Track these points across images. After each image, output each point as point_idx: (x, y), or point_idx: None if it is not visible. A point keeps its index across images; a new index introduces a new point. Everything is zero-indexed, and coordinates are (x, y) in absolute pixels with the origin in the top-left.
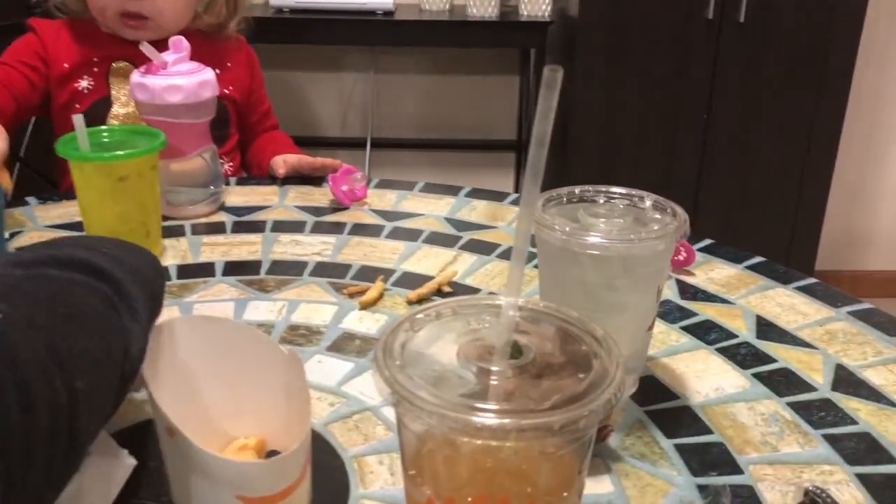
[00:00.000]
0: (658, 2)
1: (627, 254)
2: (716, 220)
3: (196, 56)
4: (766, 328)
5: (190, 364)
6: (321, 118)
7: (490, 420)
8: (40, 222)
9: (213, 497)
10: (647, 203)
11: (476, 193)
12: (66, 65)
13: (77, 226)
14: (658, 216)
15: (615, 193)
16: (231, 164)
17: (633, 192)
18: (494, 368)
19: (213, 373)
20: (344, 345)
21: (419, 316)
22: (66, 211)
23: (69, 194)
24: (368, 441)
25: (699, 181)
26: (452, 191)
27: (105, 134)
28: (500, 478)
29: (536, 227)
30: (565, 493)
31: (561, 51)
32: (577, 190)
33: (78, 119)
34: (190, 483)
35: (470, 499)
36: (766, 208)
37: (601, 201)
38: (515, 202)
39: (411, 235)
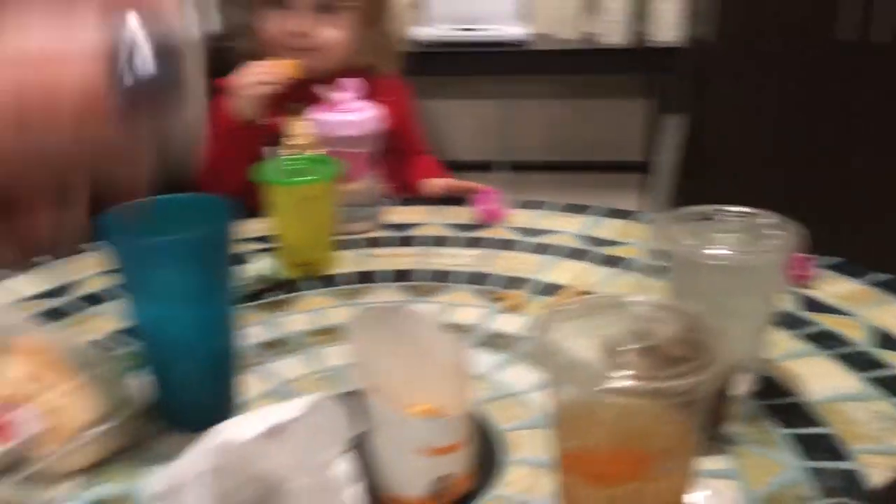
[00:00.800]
0: (794, 26)
1: (743, 265)
2: (849, 236)
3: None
4: (885, 338)
5: (379, 343)
6: (458, 143)
7: (621, 384)
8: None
9: (398, 448)
10: (765, 220)
11: (608, 212)
12: None
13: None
14: (775, 232)
15: (731, 212)
16: (389, 185)
17: (748, 209)
18: (624, 349)
19: (393, 352)
20: (493, 342)
21: (563, 309)
22: (261, 225)
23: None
24: (517, 419)
25: (837, 200)
26: (585, 210)
27: (290, 162)
28: (630, 434)
29: (663, 242)
30: (682, 456)
31: (692, 75)
32: (701, 209)
33: (270, 151)
34: (379, 437)
35: (606, 452)
36: None
37: (723, 219)
38: (649, 221)
39: (548, 250)
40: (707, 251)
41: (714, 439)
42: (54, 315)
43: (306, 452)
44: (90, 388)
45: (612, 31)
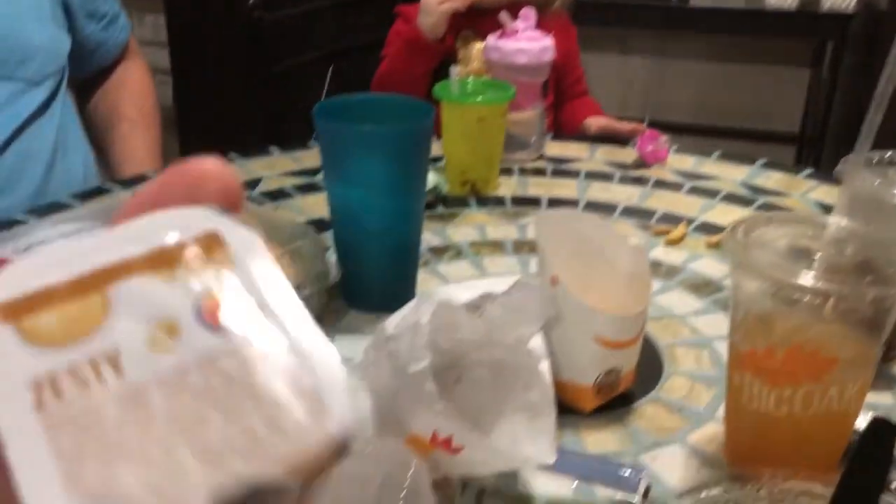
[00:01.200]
0: None
1: None
2: None
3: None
4: None
5: (561, 242)
6: (603, 97)
7: (812, 282)
8: None
9: (576, 336)
10: None
11: (771, 165)
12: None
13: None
14: None
15: None
16: (546, 120)
17: None
18: (816, 259)
19: (574, 254)
20: (654, 270)
21: (756, 218)
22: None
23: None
24: (677, 337)
25: None
26: (748, 160)
27: (468, 84)
28: (812, 338)
29: (851, 182)
30: (859, 368)
31: (864, 45)
32: (886, 154)
33: (454, 70)
34: (559, 324)
35: (786, 352)
36: None
37: None
38: (811, 176)
39: (710, 194)
40: (893, 192)
41: (883, 376)
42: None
43: (503, 327)
44: (290, 259)
45: None
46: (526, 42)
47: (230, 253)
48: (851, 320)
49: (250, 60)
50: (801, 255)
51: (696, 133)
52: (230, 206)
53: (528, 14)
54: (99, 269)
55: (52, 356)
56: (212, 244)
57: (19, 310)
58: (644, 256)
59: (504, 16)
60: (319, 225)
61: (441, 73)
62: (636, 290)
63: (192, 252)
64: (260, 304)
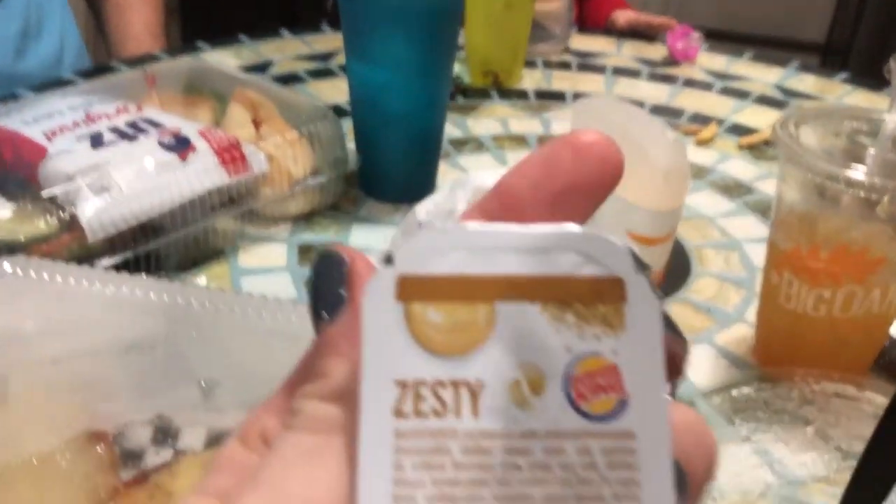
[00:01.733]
0: None
1: None
2: None
3: None
4: None
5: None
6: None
7: (865, 179)
8: None
9: (608, 231)
10: None
11: (806, 68)
12: None
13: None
14: None
15: None
16: (573, 12)
17: None
18: (872, 151)
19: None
20: None
21: (808, 111)
22: None
23: None
24: (706, 239)
25: None
26: (782, 61)
27: None
28: (856, 236)
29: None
30: None
31: None
32: None
33: None
34: (592, 218)
35: (828, 252)
36: None
37: None
38: (846, 80)
39: (741, 95)
40: None
41: None
42: None
43: None
44: (307, 142)
45: None
46: None
47: (624, 314)
48: None
49: None
50: (854, 152)
51: (713, 38)
52: (611, 180)
53: None
54: (494, 276)
55: (428, 363)
56: (611, 294)
57: (416, 293)
58: (683, 151)
59: None
60: (334, 112)
61: None
62: (673, 186)
63: (590, 295)
64: (639, 388)
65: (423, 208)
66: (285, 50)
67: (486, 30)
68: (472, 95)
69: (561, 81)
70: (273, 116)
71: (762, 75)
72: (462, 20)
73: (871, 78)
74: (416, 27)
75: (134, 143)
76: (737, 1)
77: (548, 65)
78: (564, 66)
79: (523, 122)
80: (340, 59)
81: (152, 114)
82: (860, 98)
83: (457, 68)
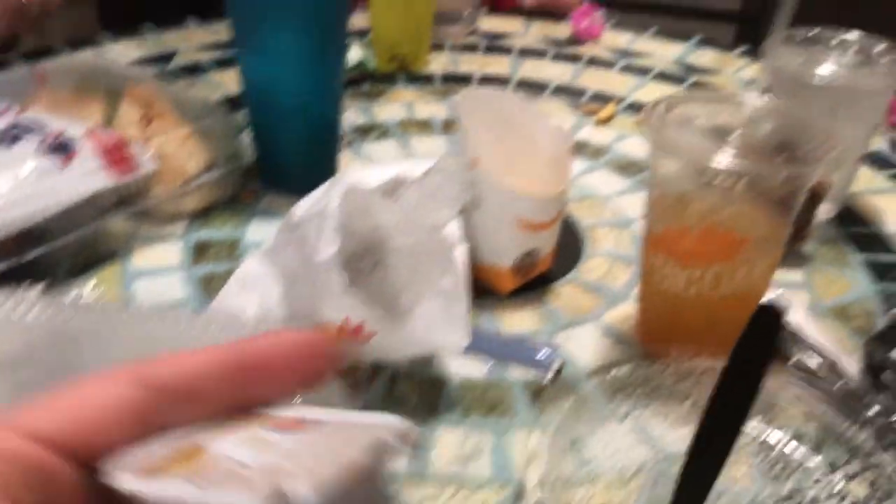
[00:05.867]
0: None
1: (851, 86)
2: None
3: None
4: None
5: (483, 122)
6: None
7: (725, 164)
8: None
9: (495, 219)
10: (880, 47)
11: (706, 42)
12: None
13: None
14: (886, 59)
15: (849, 39)
16: None
17: (871, 36)
18: (733, 139)
19: (496, 134)
20: (580, 149)
21: (676, 97)
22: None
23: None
24: (599, 218)
25: None
26: (683, 37)
27: None
28: (725, 217)
29: (774, 60)
30: (769, 248)
31: None
32: (809, 33)
33: None
34: (479, 207)
35: (698, 232)
36: None
37: (833, 42)
38: (745, 53)
39: (642, 72)
40: (814, 72)
41: (792, 254)
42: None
43: (420, 212)
44: (200, 137)
45: None
46: None
47: None
48: (764, 200)
49: None
50: (720, 134)
51: (633, 9)
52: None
53: None
54: None
55: None
56: None
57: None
58: (565, 137)
59: None
60: (237, 102)
61: None
62: (557, 171)
63: None
64: None
65: (301, 207)
66: (191, 39)
67: (391, 15)
68: (379, 81)
69: (468, 64)
70: (165, 113)
71: (664, 51)
72: (349, 10)
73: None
74: (302, 17)
75: (12, 149)
76: None
77: (455, 48)
78: (472, 48)
79: (429, 107)
80: None
81: (36, 115)
82: (756, 71)
83: (363, 54)
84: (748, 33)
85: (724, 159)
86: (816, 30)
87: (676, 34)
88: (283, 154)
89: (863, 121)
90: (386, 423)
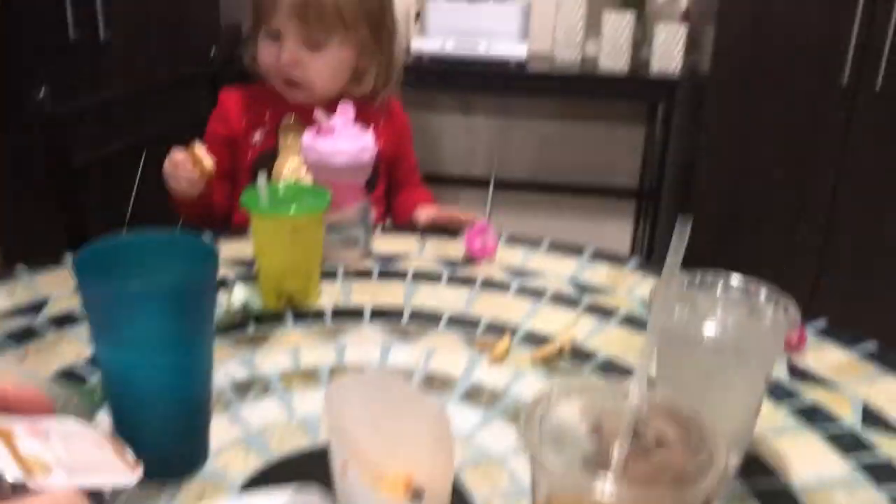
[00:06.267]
0: (792, 64)
1: (740, 345)
2: (839, 289)
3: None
4: (873, 418)
5: (356, 414)
6: (449, 157)
7: (608, 487)
8: None
9: None
10: (762, 296)
11: (599, 256)
12: (243, 122)
13: (247, 262)
14: (771, 309)
15: (733, 284)
16: (377, 211)
17: (751, 283)
18: (616, 442)
19: (373, 422)
20: (474, 395)
21: (556, 391)
22: (237, 248)
23: (240, 230)
24: (495, 487)
25: (825, 247)
26: (576, 251)
27: (281, 190)
28: None
29: (657, 309)
30: None
31: (689, 107)
32: (696, 277)
33: (262, 177)
34: None
35: None
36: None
37: (718, 290)
38: (638, 267)
39: (536, 294)
40: (700, 330)
41: None
42: (25, 335)
43: None
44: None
45: (614, 57)
46: (344, 141)
47: None
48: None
49: (48, 157)
50: (602, 438)
51: (540, 190)
52: None
53: (347, 109)
54: None
55: None
56: None
57: None
58: (446, 420)
59: (319, 113)
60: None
61: (267, 165)
62: (441, 459)
63: None
64: None
65: None
66: (67, 282)
67: (276, 255)
68: (266, 321)
69: (360, 294)
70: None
71: (558, 268)
72: (213, 292)
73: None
74: (160, 309)
75: None
76: (555, 153)
77: (347, 275)
78: (365, 275)
79: (317, 352)
80: None
81: None
82: (652, 285)
83: (247, 294)
84: (647, 208)
85: (602, 488)
86: (699, 275)
87: (566, 247)
88: (148, 441)
89: (755, 374)
90: None
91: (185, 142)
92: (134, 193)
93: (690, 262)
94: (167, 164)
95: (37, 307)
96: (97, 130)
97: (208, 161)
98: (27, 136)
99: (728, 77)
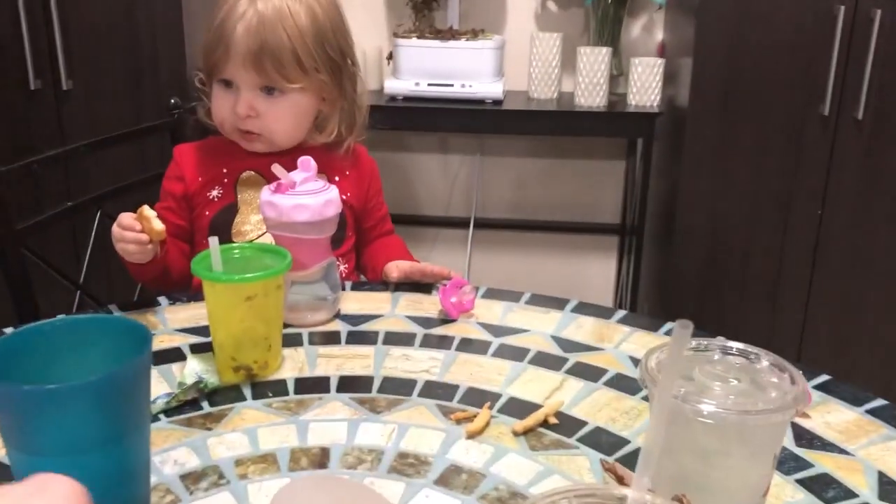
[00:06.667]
0: (771, 95)
1: (744, 424)
2: (826, 330)
3: (317, 164)
4: (890, 487)
5: None
6: (427, 198)
7: None
8: (170, 325)
9: None
10: (765, 363)
11: (582, 308)
12: (200, 178)
13: (204, 330)
14: (775, 380)
15: (731, 349)
16: (346, 265)
17: (751, 349)
18: None
19: None
20: (451, 478)
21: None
22: (194, 314)
23: (198, 296)
24: None
25: (810, 283)
26: (558, 304)
27: (236, 252)
28: None
29: (651, 382)
30: None
31: (669, 140)
32: (692, 342)
33: (213, 241)
34: None
35: None
36: (884, 319)
37: (716, 357)
38: (622, 321)
39: (517, 355)
40: (701, 407)
41: None
42: None
43: None
44: None
45: (591, 93)
46: (306, 196)
47: None
48: None
49: None
50: None
51: (521, 228)
52: None
53: (307, 163)
54: None
55: None
56: None
57: None
58: None
59: (277, 168)
60: None
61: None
62: None
63: None
64: None
65: None
66: None
67: (231, 324)
68: (222, 396)
69: (326, 363)
70: None
71: (539, 324)
72: (146, 380)
73: (653, 308)
74: (85, 409)
75: None
76: (535, 191)
77: (314, 339)
78: (332, 339)
79: (276, 433)
80: None
81: None
82: (638, 341)
83: (202, 368)
84: (630, 243)
85: None
86: (698, 341)
87: (546, 301)
88: None
89: (761, 451)
90: None
91: (137, 201)
92: (87, 255)
93: (675, 302)
94: (115, 230)
95: None
96: (48, 189)
97: (158, 224)
98: None
99: (707, 109)
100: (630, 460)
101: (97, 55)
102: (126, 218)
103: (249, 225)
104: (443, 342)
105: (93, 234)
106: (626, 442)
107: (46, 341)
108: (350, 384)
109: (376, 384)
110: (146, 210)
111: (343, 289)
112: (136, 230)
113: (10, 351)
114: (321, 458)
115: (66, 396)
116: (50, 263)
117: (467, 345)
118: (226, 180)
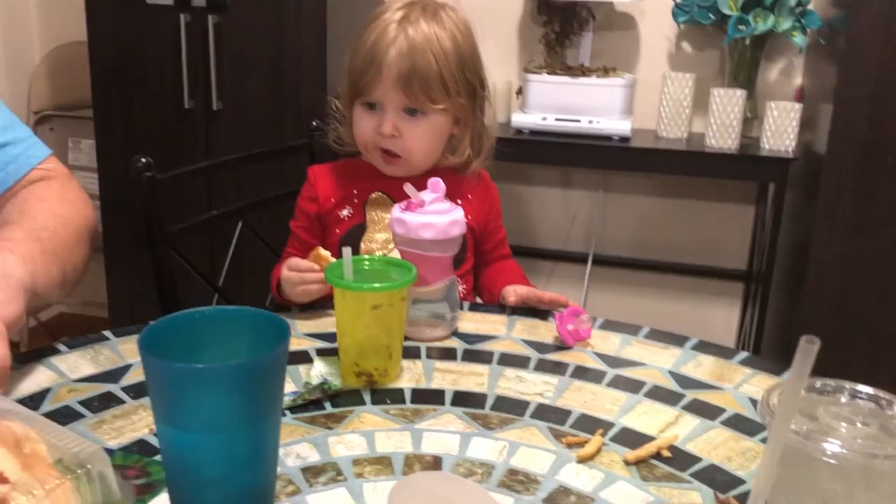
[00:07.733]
0: None
1: (870, 467)
2: None
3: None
4: None
5: None
6: (546, 231)
7: None
8: (299, 329)
9: None
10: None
11: (703, 347)
12: (332, 199)
13: (329, 336)
14: None
15: (861, 393)
16: (464, 286)
17: (882, 394)
18: None
19: None
20: (559, 499)
21: None
22: (321, 321)
23: (326, 304)
24: None
25: None
26: (678, 341)
27: (366, 263)
28: None
29: (770, 416)
30: None
31: (803, 187)
32: (818, 383)
33: (346, 251)
34: None
35: None
36: None
37: (843, 399)
38: (744, 362)
39: (633, 387)
40: (822, 445)
41: None
42: (103, 401)
43: None
44: (75, 488)
45: (722, 134)
46: (434, 215)
47: None
48: None
49: (147, 222)
50: None
51: (641, 268)
52: None
53: (437, 184)
54: None
55: None
56: None
57: None
58: None
59: (409, 188)
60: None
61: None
62: None
63: None
64: None
65: None
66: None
67: (356, 331)
68: (344, 399)
69: (442, 377)
70: (38, 455)
71: (657, 358)
72: (282, 371)
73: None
74: (225, 388)
75: None
76: (657, 231)
77: (431, 354)
78: (449, 355)
79: (392, 438)
80: None
81: None
82: (760, 383)
83: (327, 370)
84: (756, 291)
85: None
86: (821, 381)
87: (670, 337)
88: None
89: (888, 500)
90: None
91: (275, 215)
92: (227, 260)
93: None
94: (293, 275)
95: (118, 374)
96: (195, 196)
97: (333, 262)
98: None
99: (847, 157)
100: (745, 500)
101: (245, 79)
102: (301, 262)
103: (376, 243)
104: (557, 368)
105: (234, 241)
106: (741, 482)
107: (197, 327)
108: (464, 399)
109: (489, 402)
110: (321, 251)
111: (461, 308)
112: (317, 271)
113: (165, 332)
114: (434, 466)
115: (212, 376)
116: (193, 266)
117: (582, 372)
118: (356, 200)
